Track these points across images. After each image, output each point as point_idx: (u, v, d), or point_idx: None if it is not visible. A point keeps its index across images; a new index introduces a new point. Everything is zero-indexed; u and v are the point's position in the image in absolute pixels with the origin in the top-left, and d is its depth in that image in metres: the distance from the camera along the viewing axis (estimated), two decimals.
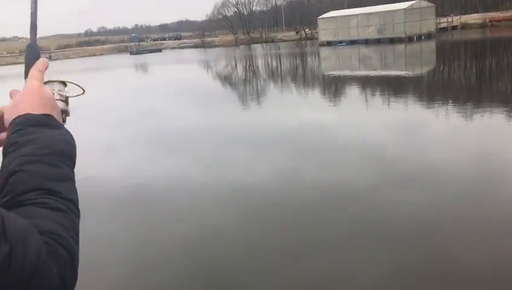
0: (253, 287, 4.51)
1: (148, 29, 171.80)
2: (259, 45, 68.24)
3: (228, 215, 6.25)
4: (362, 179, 7.16)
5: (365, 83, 19.88)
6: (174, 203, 6.89)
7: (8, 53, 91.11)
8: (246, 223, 5.98)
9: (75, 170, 0.89)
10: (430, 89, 16.84)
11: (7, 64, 77.95)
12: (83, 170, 9.18)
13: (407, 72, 22.98)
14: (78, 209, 0.83)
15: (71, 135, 0.91)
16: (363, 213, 5.88)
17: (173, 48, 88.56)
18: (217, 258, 4.99)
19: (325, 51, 42.08)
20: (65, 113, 1.01)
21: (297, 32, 72.44)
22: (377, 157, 8.24)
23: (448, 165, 7.38)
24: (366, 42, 44.06)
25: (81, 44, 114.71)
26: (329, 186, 7.00)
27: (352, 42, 45.32)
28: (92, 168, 8.88)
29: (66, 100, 1.03)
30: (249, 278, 4.62)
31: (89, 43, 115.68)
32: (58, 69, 55.18)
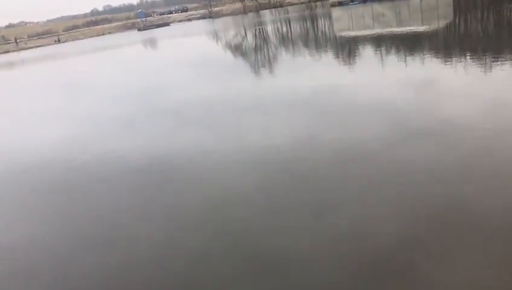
0: (279, 243, 4.54)
1: (154, 3, 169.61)
2: (268, 10, 66.67)
3: (249, 178, 6.33)
4: (379, 136, 7.02)
5: (380, 41, 19.07)
6: (196, 170, 6.99)
7: (17, 38, 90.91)
8: (267, 183, 6.05)
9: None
10: (448, 43, 16.06)
11: (16, 50, 77.97)
12: (105, 143, 9.36)
13: (423, 27, 22.00)
14: None
15: None
16: (381, 168, 5.86)
17: (180, 20, 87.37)
18: (241, 218, 5.16)
19: (336, 12, 40.78)
20: None
21: None
22: (395, 115, 7.92)
23: (466, 118, 7.12)
24: None
25: (88, 24, 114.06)
26: (346, 145, 6.93)
27: (365, 0, 43.74)
28: (112, 142, 9.47)
29: None
30: (274, 235, 4.69)
31: (95, 23, 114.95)
32: (68, 50, 55.05)
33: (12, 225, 6.22)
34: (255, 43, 28.10)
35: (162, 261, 4.59)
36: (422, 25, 23.01)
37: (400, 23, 25.32)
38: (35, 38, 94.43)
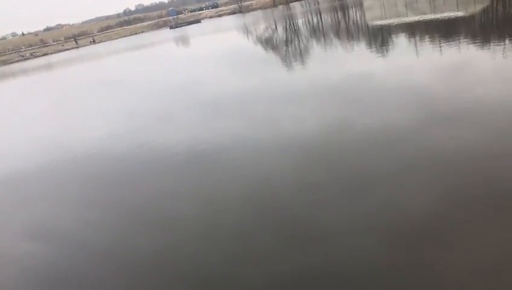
0: (314, 219, 4.80)
1: (184, 1, 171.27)
2: (298, 3, 66.29)
3: (283, 162, 6.58)
4: (414, 120, 7.07)
5: (414, 29, 18.76)
6: (234, 157, 7.29)
7: (54, 41, 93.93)
8: (302, 166, 6.28)
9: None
10: (485, 28, 15.63)
11: (54, 52, 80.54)
12: (149, 135, 9.78)
13: (458, 12, 21.46)
14: None
15: None
16: (414, 150, 5.99)
17: (211, 16, 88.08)
18: (278, 199, 5.45)
19: (368, 1, 40.18)
20: None
21: None
22: (431, 100, 7.82)
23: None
24: None
25: (121, 24, 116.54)
26: (379, 130, 7.03)
27: None
28: (156, 133, 9.94)
29: None
30: (310, 213, 4.93)
31: (128, 22, 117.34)
32: (104, 50, 56.42)
33: (71, 207, 6.62)
34: (286, 36, 28.10)
35: (209, 236, 4.91)
36: (458, 10, 22.44)
37: (434, 10, 24.76)
38: (72, 40, 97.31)
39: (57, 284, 4.74)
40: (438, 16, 21.35)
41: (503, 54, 10.44)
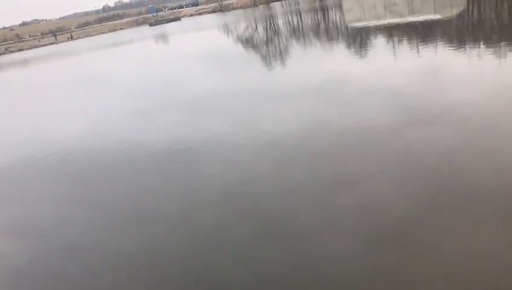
0: (291, 218, 4.83)
1: None
2: (279, 3, 66.50)
3: (263, 161, 6.61)
4: (389, 121, 7.16)
5: (392, 31, 18.98)
6: (213, 156, 7.30)
7: (30, 36, 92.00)
8: (280, 166, 6.32)
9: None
10: (461, 32, 15.93)
11: (31, 47, 78.91)
12: (128, 133, 9.63)
13: (435, 15, 21.82)
14: None
15: None
16: (390, 150, 6.06)
17: (191, 15, 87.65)
18: (257, 197, 5.46)
19: (347, 3, 40.54)
20: None
21: None
22: (405, 101, 7.91)
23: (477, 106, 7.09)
24: None
25: (100, 20, 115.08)
26: (357, 130, 7.10)
27: None
28: (136, 132, 9.84)
29: None
30: (287, 212, 4.97)
31: (107, 19, 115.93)
32: (81, 46, 55.57)
33: (53, 205, 6.47)
34: (267, 36, 28.13)
35: (187, 235, 4.89)
36: (435, 13, 22.81)
37: (412, 12, 25.12)
38: (49, 35, 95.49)
39: (29, 282, 4.62)
40: (416, 18, 21.66)
41: (477, 57, 10.65)
